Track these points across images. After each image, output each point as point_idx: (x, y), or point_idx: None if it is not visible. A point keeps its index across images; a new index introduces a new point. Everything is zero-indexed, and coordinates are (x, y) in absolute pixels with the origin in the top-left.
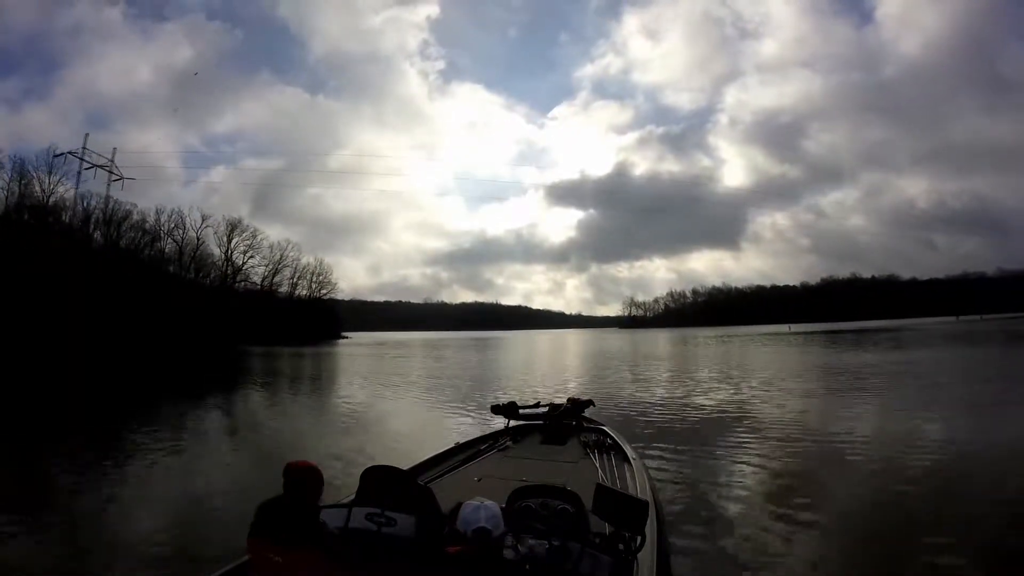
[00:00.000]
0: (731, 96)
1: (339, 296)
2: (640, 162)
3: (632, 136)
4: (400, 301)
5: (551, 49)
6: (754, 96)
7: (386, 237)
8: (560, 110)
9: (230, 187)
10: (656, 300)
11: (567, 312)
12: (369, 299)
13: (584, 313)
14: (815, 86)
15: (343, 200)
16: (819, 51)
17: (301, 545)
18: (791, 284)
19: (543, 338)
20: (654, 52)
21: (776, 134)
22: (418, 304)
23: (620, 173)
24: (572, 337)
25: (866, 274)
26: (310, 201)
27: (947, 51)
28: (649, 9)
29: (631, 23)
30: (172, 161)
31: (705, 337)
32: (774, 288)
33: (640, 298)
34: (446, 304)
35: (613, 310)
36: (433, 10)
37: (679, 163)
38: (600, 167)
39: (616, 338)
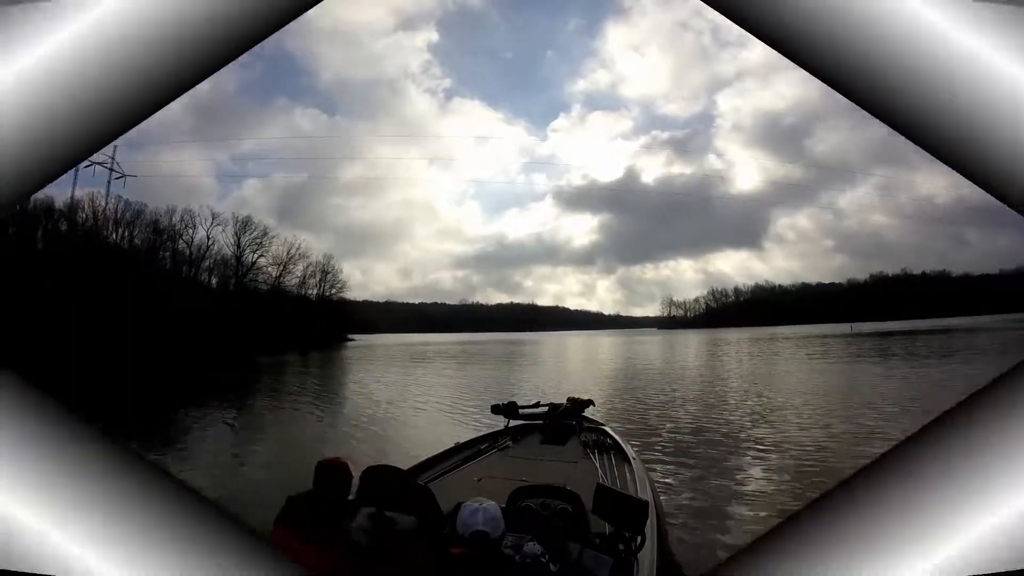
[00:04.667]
0: (728, 101)
1: (374, 298)
2: (649, 167)
3: (638, 142)
4: (435, 303)
5: (542, 68)
6: (753, 100)
7: (413, 243)
8: (559, 123)
9: (258, 202)
10: (696, 300)
11: (604, 313)
12: (404, 300)
13: (622, 314)
14: (812, 88)
15: (366, 210)
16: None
17: (322, 539)
18: (833, 282)
19: (577, 342)
20: (642, 64)
21: (781, 135)
22: (454, 305)
23: (631, 178)
24: (607, 340)
25: (916, 270)
26: (334, 211)
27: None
28: (628, 25)
29: (614, 40)
30: (204, 179)
31: (756, 339)
32: (819, 286)
33: (677, 298)
34: (481, 305)
35: (650, 310)
36: (432, 36)
37: (689, 166)
38: (610, 172)
39: (657, 342)
